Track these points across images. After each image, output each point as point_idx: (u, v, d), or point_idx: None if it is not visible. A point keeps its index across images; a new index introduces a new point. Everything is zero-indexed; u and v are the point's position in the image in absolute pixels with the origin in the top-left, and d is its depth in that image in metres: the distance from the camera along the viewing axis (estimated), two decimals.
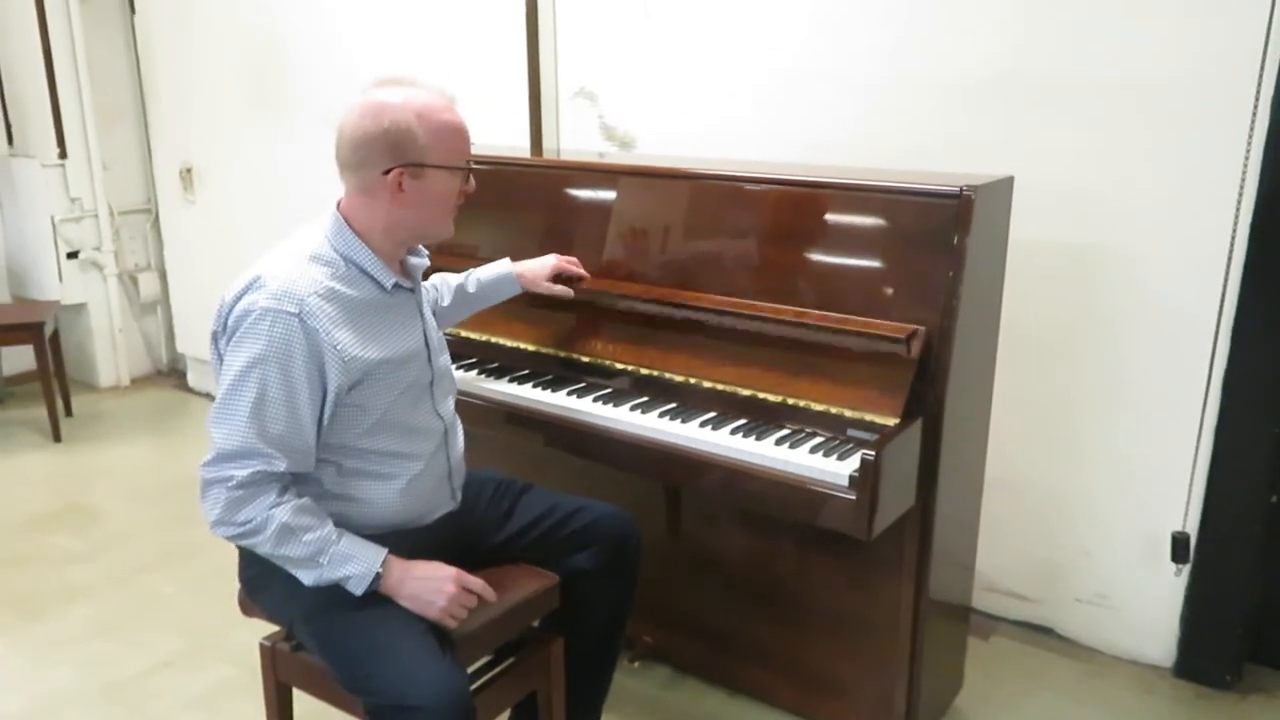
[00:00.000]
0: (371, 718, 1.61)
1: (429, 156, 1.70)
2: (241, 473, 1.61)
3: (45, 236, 4.55)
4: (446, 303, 2.21)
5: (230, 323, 1.66)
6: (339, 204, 1.77)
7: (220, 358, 1.70)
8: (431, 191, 1.73)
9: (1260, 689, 2.49)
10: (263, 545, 1.65)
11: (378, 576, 1.66)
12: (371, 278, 1.75)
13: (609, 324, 2.29)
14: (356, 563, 1.65)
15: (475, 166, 1.79)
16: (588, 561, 1.95)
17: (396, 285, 1.78)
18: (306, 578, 1.66)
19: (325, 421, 1.70)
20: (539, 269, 2.25)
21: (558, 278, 2.25)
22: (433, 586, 1.69)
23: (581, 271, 2.28)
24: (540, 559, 1.97)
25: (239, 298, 1.66)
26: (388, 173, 1.69)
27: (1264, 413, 2.33)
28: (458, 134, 1.74)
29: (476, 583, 1.74)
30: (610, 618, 2.03)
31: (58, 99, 4.45)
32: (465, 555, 1.93)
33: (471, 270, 2.26)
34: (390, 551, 1.74)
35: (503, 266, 2.26)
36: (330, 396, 1.68)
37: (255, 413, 1.62)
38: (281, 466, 1.64)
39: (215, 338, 1.71)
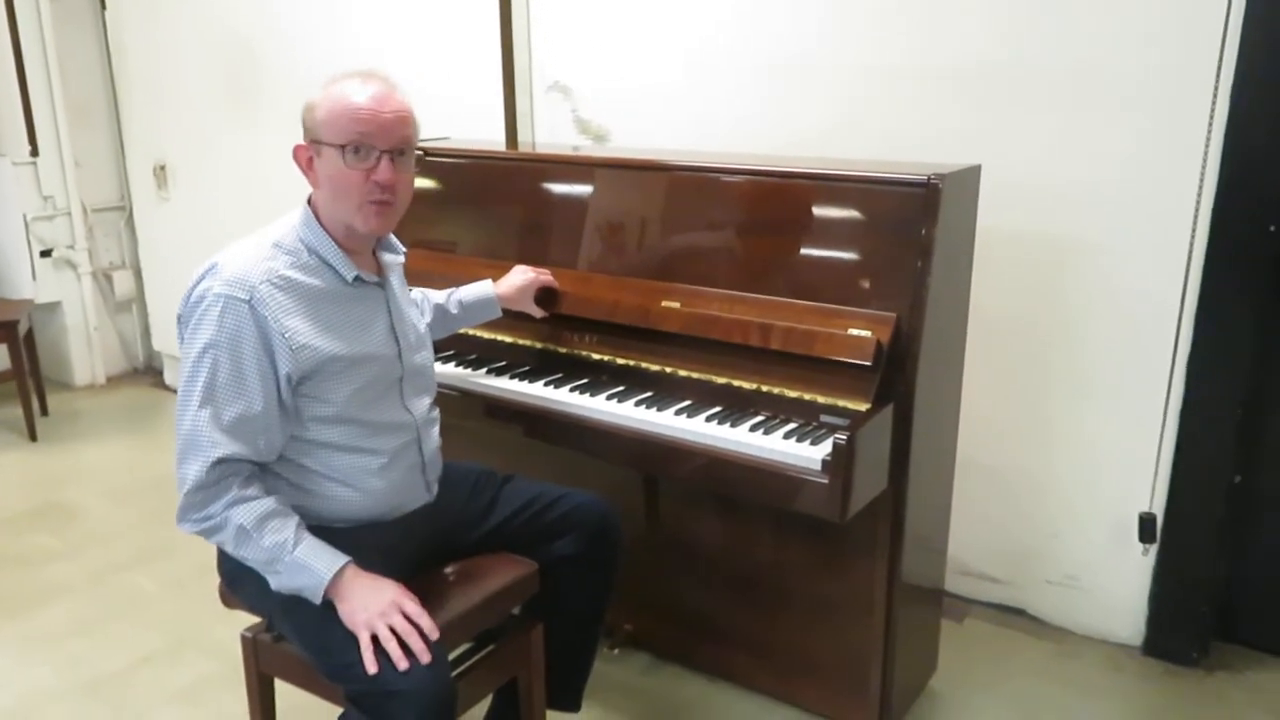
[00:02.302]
0: (353, 705, 1.61)
1: (323, 133, 1.69)
2: (199, 470, 1.62)
3: (18, 235, 4.53)
4: (427, 320, 2.14)
5: (187, 308, 1.68)
6: (309, 196, 1.78)
7: (183, 341, 1.70)
8: (328, 172, 1.70)
9: (1227, 666, 2.54)
10: (226, 544, 1.66)
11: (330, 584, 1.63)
12: (332, 268, 1.74)
13: (585, 317, 2.30)
14: (309, 574, 1.62)
15: (362, 144, 1.67)
16: (567, 548, 1.97)
17: (359, 278, 1.76)
18: (271, 582, 1.66)
19: (285, 410, 1.69)
20: (518, 293, 2.26)
21: (536, 294, 2.27)
22: (369, 599, 1.61)
23: (554, 283, 2.29)
24: (521, 547, 1.98)
25: (196, 283, 1.67)
26: (300, 151, 1.73)
27: (1226, 395, 2.38)
28: (345, 110, 1.66)
29: (414, 609, 1.62)
30: (590, 604, 2.05)
31: (28, 96, 4.43)
32: (446, 547, 1.96)
33: (453, 290, 2.25)
34: (366, 544, 1.73)
35: (484, 289, 2.25)
36: (283, 384, 1.67)
37: (206, 398, 1.63)
38: (240, 456, 1.63)
39: (179, 321, 1.72)
